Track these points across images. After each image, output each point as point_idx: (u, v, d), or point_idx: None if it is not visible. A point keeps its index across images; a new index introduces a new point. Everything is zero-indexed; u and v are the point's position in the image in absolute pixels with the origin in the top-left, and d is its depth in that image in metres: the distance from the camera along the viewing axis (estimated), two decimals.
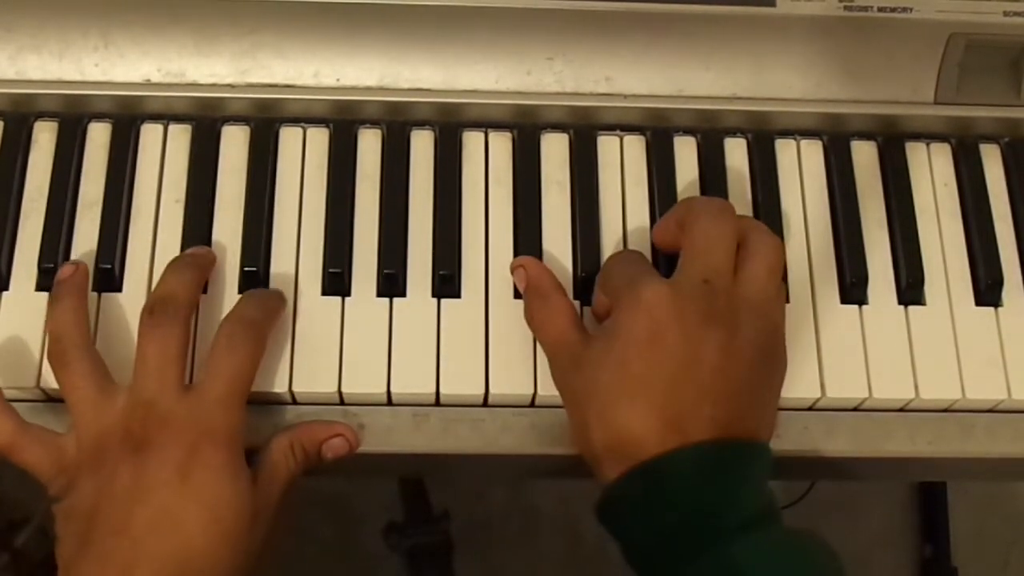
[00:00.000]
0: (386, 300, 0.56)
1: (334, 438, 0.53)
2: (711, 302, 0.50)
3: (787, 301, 0.56)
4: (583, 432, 0.50)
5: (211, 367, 0.51)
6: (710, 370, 0.48)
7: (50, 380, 0.53)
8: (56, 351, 0.52)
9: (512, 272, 0.56)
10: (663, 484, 0.47)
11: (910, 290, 0.58)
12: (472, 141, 0.60)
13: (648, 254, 0.57)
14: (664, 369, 0.48)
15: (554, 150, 0.60)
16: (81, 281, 0.54)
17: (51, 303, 0.53)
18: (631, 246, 0.58)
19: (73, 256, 0.56)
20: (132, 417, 0.49)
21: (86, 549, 0.48)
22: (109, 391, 0.51)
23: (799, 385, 0.55)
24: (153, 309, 0.51)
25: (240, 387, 0.51)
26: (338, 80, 0.59)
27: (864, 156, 0.61)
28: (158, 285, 0.53)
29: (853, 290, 0.57)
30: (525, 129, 0.60)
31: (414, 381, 0.54)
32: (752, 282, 0.51)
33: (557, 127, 0.60)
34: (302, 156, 0.59)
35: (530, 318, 0.54)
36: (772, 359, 0.52)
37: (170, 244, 0.56)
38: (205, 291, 0.55)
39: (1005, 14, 0.60)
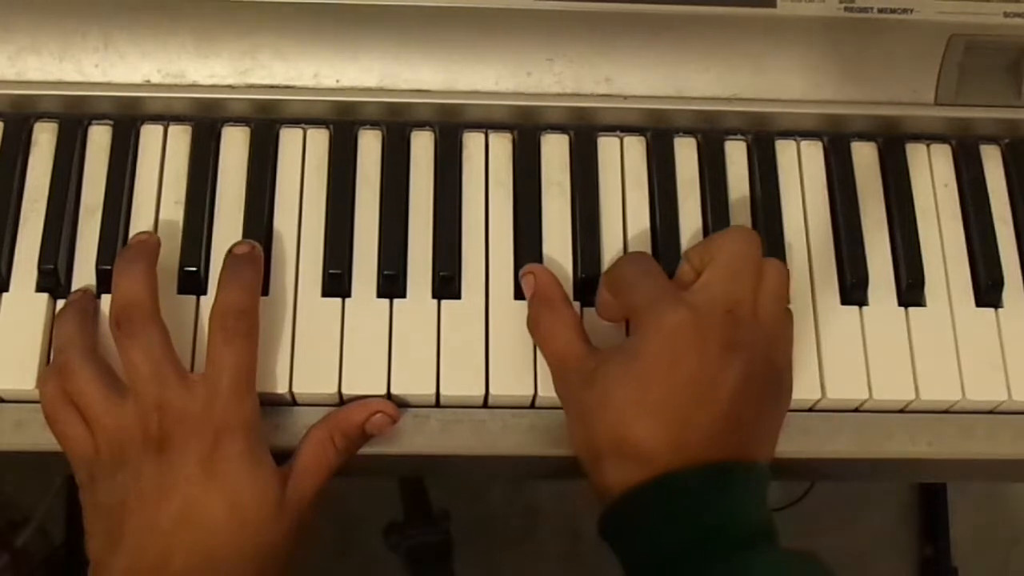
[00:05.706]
0: (386, 301, 0.56)
1: (374, 416, 0.53)
2: (733, 332, 0.50)
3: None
4: (587, 440, 0.51)
5: (213, 361, 0.51)
6: (726, 397, 0.49)
7: None
8: (59, 360, 0.52)
9: (521, 278, 0.56)
10: (671, 499, 0.48)
11: (910, 291, 0.58)
12: (472, 142, 0.60)
13: (649, 252, 0.57)
14: (682, 394, 0.49)
15: (554, 151, 0.60)
16: (89, 295, 0.55)
17: (59, 314, 0.54)
18: (632, 247, 0.57)
19: (75, 257, 0.56)
20: (147, 421, 0.50)
21: (118, 545, 0.49)
22: (118, 393, 0.51)
23: (800, 386, 0.55)
24: (119, 322, 0.51)
25: (245, 375, 0.51)
26: (338, 81, 0.59)
27: (864, 157, 0.61)
28: (113, 292, 0.52)
29: (853, 291, 0.57)
30: (525, 130, 0.60)
31: (414, 382, 0.54)
32: (764, 307, 0.52)
33: (557, 128, 0.60)
34: (302, 157, 0.59)
35: (534, 326, 0.54)
36: (782, 385, 0.53)
37: (170, 246, 0.56)
38: (206, 291, 0.55)
39: (1005, 15, 0.60)
